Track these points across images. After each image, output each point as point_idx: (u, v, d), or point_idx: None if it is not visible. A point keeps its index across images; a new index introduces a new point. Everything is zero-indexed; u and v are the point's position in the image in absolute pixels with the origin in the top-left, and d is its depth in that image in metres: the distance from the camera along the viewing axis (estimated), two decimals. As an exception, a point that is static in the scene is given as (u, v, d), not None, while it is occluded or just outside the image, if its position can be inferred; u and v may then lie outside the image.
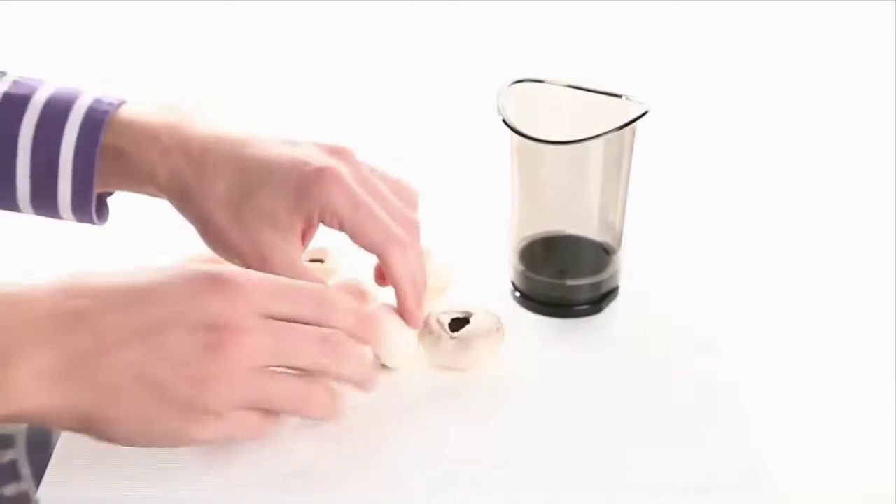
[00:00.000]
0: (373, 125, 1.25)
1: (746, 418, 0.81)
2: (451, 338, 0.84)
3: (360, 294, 0.81)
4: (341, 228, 0.80)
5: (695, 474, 0.76)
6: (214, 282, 0.70)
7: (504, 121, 0.85)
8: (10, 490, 0.88)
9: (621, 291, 0.94)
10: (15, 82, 0.82)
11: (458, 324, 0.86)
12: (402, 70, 1.36)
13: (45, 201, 0.82)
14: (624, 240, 0.91)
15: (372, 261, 0.94)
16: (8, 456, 0.87)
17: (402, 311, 0.83)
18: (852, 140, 1.21)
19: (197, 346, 0.69)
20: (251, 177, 0.79)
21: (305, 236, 0.82)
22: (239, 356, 0.70)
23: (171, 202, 0.82)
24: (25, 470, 0.88)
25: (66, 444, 0.78)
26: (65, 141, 0.80)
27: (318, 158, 0.79)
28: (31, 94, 0.81)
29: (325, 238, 0.96)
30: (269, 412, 0.73)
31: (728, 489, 0.75)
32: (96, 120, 0.80)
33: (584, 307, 0.91)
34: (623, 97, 0.88)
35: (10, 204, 0.83)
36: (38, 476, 0.75)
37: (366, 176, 0.81)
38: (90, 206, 0.83)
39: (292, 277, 0.77)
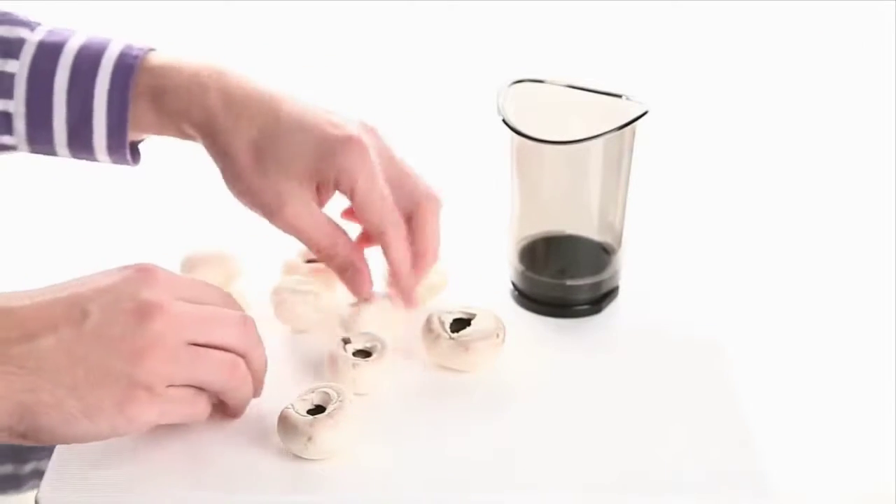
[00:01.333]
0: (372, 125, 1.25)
1: (746, 418, 0.81)
2: (450, 338, 0.84)
3: None
4: (351, 198, 0.84)
5: (695, 474, 0.76)
6: (138, 268, 0.73)
7: (504, 121, 0.85)
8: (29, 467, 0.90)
9: (621, 291, 0.94)
10: (49, 31, 0.85)
11: (459, 324, 0.86)
12: (402, 70, 1.35)
13: (80, 145, 0.86)
14: (624, 240, 0.91)
15: (374, 260, 0.94)
16: None
17: (396, 292, 0.87)
18: (853, 140, 1.21)
19: (128, 320, 0.70)
20: (280, 128, 0.83)
21: (321, 195, 0.85)
22: (169, 327, 0.71)
23: (201, 139, 0.85)
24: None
25: (67, 446, 0.78)
26: (98, 88, 0.83)
27: (349, 127, 0.83)
28: (65, 43, 0.84)
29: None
30: (200, 391, 0.75)
31: (728, 489, 0.75)
32: (127, 66, 0.84)
33: (584, 307, 0.91)
34: (623, 97, 0.87)
35: (48, 148, 0.87)
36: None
37: (391, 156, 0.86)
38: (125, 150, 0.86)
39: (308, 225, 0.83)
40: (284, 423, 0.77)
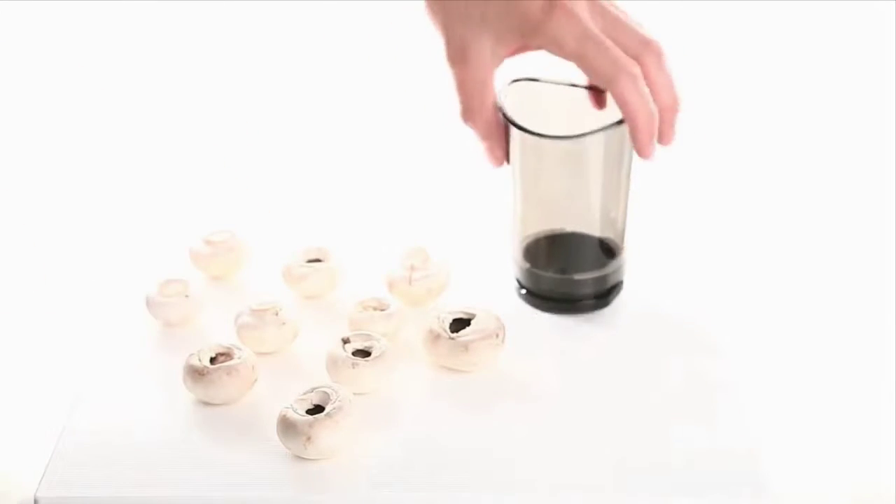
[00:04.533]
0: (373, 124, 1.25)
1: (747, 418, 0.81)
2: (450, 338, 0.84)
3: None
4: (568, 59, 0.82)
5: (696, 474, 0.76)
6: None
7: (504, 115, 0.85)
8: None
9: (626, 289, 0.93)
10: None
11: (459, 324, 0.86)
12: (401, 70, 1.35)
13: None
14: (626, 235, 0.91)
15: (374, 260, 0.95)
16: None
17: (634, 142, 0.83)
18: (854, 140, 1.21)
19: None
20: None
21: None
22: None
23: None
24: None
25: (66, 445, 0.78)
26: None
27: None
28: None
29: (326, 238, 0.96)
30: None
31: (728, 489, 0.75)
32: None
33: (590, 302, 0.91)
34: None
35: None
36: None
37: (603, 8, 0.82)
38: None
39: (478, 83, 0.84)
40: (283, 423, 0.77)
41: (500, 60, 0.85)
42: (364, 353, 0.83)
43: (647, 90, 0.81)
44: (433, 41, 0.87)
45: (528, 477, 0.77)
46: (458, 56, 0.84)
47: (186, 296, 0.90)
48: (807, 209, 1.11)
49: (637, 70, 0.81)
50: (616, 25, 0.82)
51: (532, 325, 0.91)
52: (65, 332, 0.94)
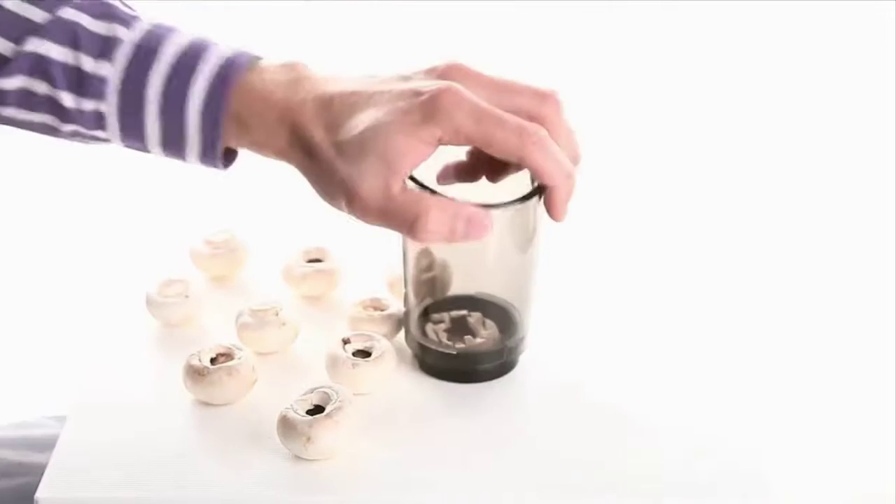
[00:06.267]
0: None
1: (747, 420, 0.81)
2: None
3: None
4: (471, 143, 0.75)
5: (695, 476, 0.76)
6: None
7: (412, 178, 0.77)
8: None
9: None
10: (148, 32, 0.78)
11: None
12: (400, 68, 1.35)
13: (173, 157, 0.80)
14: (531, 306, 0.84)
15: (375, 261, 0.94)
16: None
17: (550, 205, 0.77)
18: (853, 140, 1.21)
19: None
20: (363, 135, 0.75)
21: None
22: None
23: (295, 164, 0.78)
24: None
25: (66, 445, 0.78)
26: (190, 111, 0.77)
27: (429, 85, 0.75)
28: (160, 49, 0.77)
29: (325, 238, 0.96)
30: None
31: (728, 491, 0.75)
32: (218, 93, 0.77)
33: (491, 372, 0.85)
34: None
35: (143, 152, 0.81)
36: None
37: (487, 80, 0.77)
38: (217, 162, 0.80)
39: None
40: (284, 423, 0.77)
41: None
42: (364, 353, 0.83)
43: (557, 149, 0.74)
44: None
45: (527, 478, 0.77)
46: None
47: (186, 296, 0.90)
48: (806, 211, 1.11)
49: (543, 132, 0.74)
50: (505, 90, 0.76)
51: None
52: (65, 331, 0.94)
